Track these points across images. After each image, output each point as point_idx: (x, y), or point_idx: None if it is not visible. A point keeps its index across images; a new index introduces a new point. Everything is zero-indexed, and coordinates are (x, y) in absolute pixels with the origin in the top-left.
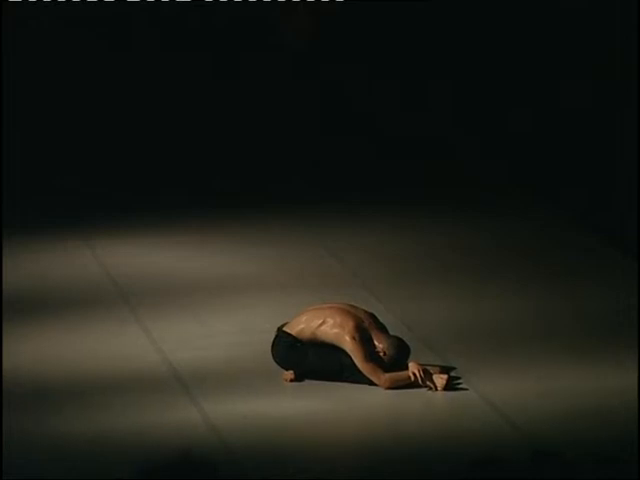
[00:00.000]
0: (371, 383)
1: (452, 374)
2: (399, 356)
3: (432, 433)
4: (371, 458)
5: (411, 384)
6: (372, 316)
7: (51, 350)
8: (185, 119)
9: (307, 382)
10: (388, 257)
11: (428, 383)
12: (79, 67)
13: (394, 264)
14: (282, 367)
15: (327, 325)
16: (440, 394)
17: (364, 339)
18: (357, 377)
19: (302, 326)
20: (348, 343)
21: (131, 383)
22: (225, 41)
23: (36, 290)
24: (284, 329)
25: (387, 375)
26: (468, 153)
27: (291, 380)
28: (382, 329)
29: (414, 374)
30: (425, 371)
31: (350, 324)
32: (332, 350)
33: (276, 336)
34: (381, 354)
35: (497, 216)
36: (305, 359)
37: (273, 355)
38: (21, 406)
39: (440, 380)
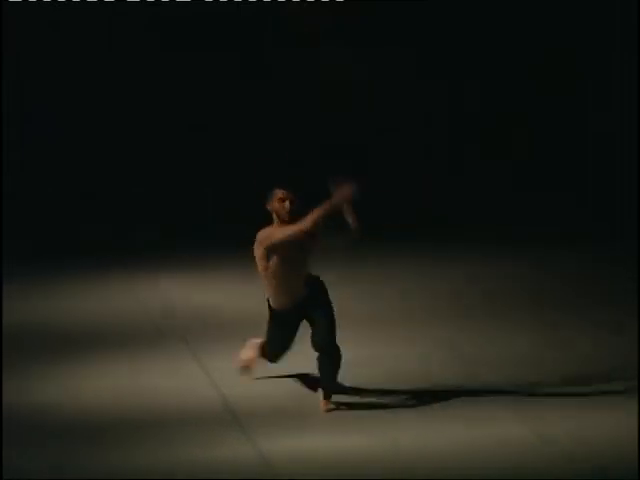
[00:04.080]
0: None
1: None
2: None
3: (486, 472)
4: None
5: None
6: None
7: (111, 384)
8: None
9: (364, 416)
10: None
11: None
12: (79, 67)
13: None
14: None
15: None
16: (485, 433)
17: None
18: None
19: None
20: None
21: (188, 418)
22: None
23: (98, 325)
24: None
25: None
26: None
27: None
28: None
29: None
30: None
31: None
32: None
33: None
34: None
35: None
36: None
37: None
38: (82, 439)
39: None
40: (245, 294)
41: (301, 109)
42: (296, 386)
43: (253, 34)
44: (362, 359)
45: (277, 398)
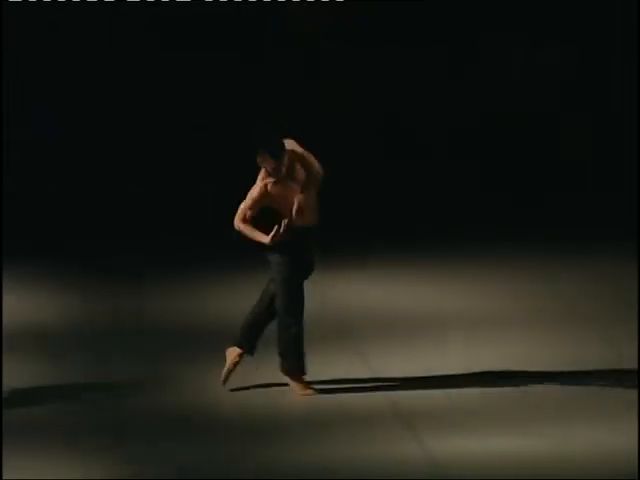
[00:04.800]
0: None
1: None
2: None
3: None
4: None
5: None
6: None
7: (271, 380)
8: None
9: (535, 417)
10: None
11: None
12: (79, 67)
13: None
14: None
15: None
16: None
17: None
18: None
19: None
20: None
21: (355, 417)
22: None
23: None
24: None
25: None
26: None
27: None
28: None
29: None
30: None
31: None
32: None
33: None
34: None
35: None
36: None
37: None
38: (247, 438)
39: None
40: (414, 294)
41: (301, 109)
42: (463, 385)
43: (253, 34)
44: (520, 359)
45: (445, 397)
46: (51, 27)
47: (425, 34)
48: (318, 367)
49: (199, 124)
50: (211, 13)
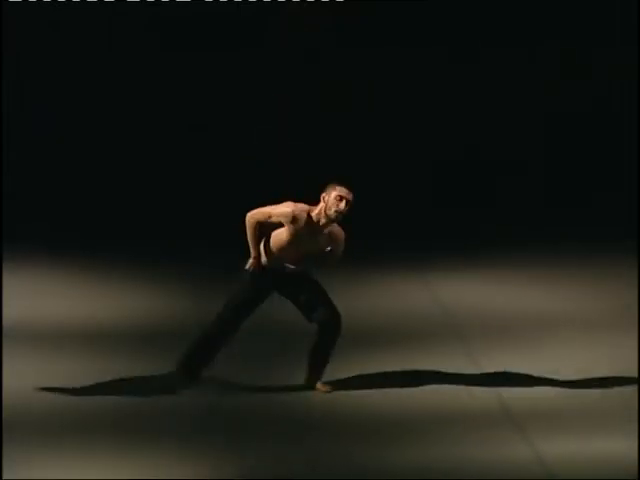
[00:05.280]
0: None
1: None
2: None
3: None
4: None
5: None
6: None
7: (379, 380)
8: None
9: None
10: None
11: None
12: (79, 67)
13: None
14: None
15: None
16: None
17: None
18: None
19: None
20: None
21: (462, 418)
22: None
23: (372, 322)
24: None
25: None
26: None
27: None
28: None
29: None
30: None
31: None
32: None
33: None
34: None
35: None
36: None
37: None
38: (357, 438)
39: None
40: (523, 294)
41: (301, 109)
42: (573, 386)
43: (253, 34)
44: (629, 360)
45: (555, 398)
46: (51, 27)
47: (425, 34)
48: (427, 367)
49: (199, 124)
50: (211, 13)
